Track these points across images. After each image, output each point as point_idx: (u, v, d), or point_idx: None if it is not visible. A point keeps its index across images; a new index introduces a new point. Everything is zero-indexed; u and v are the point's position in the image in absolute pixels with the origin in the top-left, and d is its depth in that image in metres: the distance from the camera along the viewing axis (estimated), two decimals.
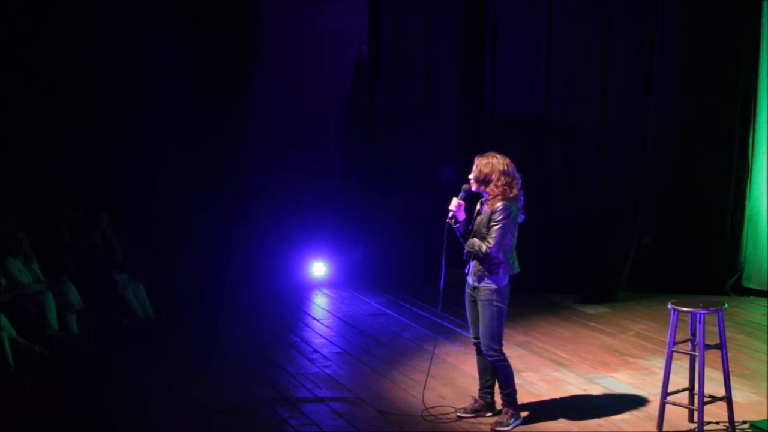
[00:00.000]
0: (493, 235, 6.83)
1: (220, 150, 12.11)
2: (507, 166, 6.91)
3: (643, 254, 10.95)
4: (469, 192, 7.04)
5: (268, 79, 12.37)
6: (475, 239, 6.96)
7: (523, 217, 7.00)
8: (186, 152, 11.88)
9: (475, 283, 7.00)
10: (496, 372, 7.10)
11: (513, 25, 11.36)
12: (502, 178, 6.87)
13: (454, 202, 7.00)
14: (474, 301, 7.09)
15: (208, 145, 12.08)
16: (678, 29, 10.91)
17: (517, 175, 6.95)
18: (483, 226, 6.90)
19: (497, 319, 6.95)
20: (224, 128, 12.14)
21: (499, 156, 6.96)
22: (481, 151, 7.12)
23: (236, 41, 12.18)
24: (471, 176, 6.98)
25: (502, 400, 7.12)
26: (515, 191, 6.91)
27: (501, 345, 7.02)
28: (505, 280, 6.98)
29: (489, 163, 6.91)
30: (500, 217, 6.83)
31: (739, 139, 10.81)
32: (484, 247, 6.85)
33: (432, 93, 11.71)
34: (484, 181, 6.92)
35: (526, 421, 7.15)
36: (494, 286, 6.92)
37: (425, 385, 7.60)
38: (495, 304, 6.93)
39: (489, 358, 7.03)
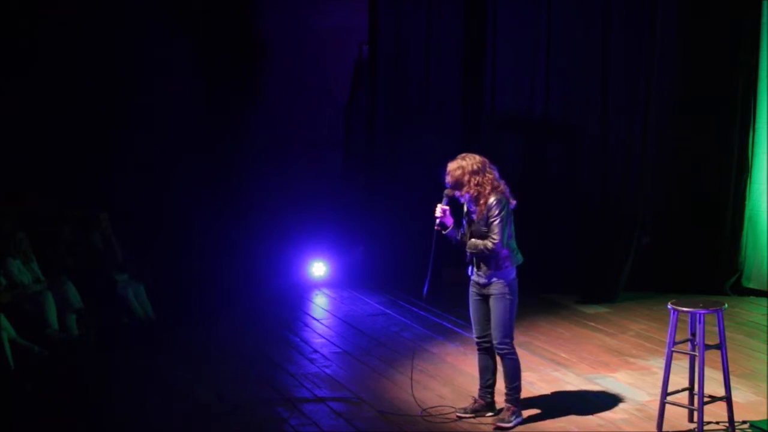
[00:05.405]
0: (496, 230, 6.87)
1: (219, 150, 12.12)
2: (476, 165, 6.95)
3: (643, 254, 10.94)
4: (451, 197, 7.08)
5: (267, 79, 12.37)
6: (474, 240, 6.99)
7: (514, 202, 7.02)
8: (186, 152, 11.87)
9: (486, 280, 7.03)
10: (506, 365, 7.13)
11: (513, 25, 11.37)
12: (474, 178, 6.92)
13: (439, 209, 7.06)
14: (481, 300, 7.12)
15: (207, 145, 12.07)
16: (678, 29, 10.91)
17: (490, 169, 6.97)
18: (482, 225, 6.93)
19: (509, 312, 7.03)
20: (224, 128, 12.15)
21: (469, 156, 6.99)
22: (482, 151, 7.16)
23: (237, 42, 12.18)
24: (446, 182, 7.03)
25: (508, 393, 7.14)
26: (488, 188, 6.92)
27: (512, 338, 7.10)
28: (514, 273, 7.05)
29: (459, 167, 6.96)
30: (497, 212, 6.88)
31: (739, 139, 10.81)
32: (489, 244, 6.89)
33: (432, 93, 11.72)
34: (457, 185, 6.98)
35: (526, 421, 7.15)
36: (505, 281, 6.99)
37: (411, 376, 7.65)
38: (508, 297, 7.01)
39: (500, 351, 7.09)
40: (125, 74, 11.52)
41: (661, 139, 10.96)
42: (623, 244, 10.85)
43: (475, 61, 11.51)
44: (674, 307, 6.85)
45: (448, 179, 7.01)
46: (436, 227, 7.06)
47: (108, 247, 10.19)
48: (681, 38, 10.93)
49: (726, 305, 6.92)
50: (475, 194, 6.94)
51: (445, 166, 7.04)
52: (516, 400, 7.13)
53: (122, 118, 11.58)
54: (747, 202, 10.87)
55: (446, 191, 7.06)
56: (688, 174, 11.02)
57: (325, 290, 11.43)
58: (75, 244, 10.09)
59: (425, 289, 7.17)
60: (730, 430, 6.86)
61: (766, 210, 10.72)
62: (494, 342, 7.09)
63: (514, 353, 7.10)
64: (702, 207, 10.96)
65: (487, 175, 6.96)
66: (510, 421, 7.06)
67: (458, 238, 7.09)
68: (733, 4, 10.71)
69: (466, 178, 6.94)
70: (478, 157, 7.00)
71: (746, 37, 10.68)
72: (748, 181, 10.85)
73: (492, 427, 7.09)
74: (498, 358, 7.20)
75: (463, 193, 6.99)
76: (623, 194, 10.88)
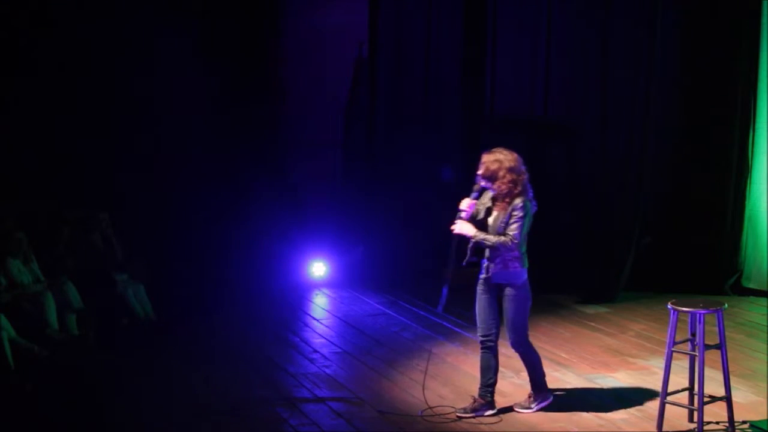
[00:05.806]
0: (516, 231, 6.95)
1: (219, 150, 12.11)
2: (514, 161, 7.02)
3: (643, 254, 10.94)
4: (480, 191, 7.13)
5: (268, 79, 12.37)
6: (485, 235, 7.01)
7: (535, 207, 7.10)
8: (186, 152, 11.87)
9: (497, 281, 7.08)
10: (527, 362, 7.26)
11: (513, 25, 11.37)
12: (509, 175, 6.97)
13: (467, 202, 7.10)
14: (487, 297, 7.16)
15: (207, 144, 12.07)
16: (678, 29, 10.91)
17: (523, 168, 7.06)
18: (502, 223, 7.00)
19: (522, 312, 7.11)
20: (224, 128, 12.14)
21: (506, 152, 7.05)
22: (482, 151, 7.16)
23: (239, 41, 12.17)
24: (479, 173, 7.05)
25: (536, 385, 7.31)
26: (519, 187, 6.99)
27: (526, 338, 7.20)
28: (525, 275, 7.11)
29: (497, 160, 7.00)
30: (521, 214, 6.96)
31: (739, 139, 10.80)
32: (509, 241, 6.95)
33: (432, 93, 11.72)
34: (491, 177, 7.01)
35: (526, 422, 7.16)
36: (518, 282, 7.07)
37: (424, 384, 7.62)
38: (520, 299, 7.09)
39: (517, 351, 7.23)
40: (126, 74, 11.51)
41: (661, 139, 10.96)
42: (623, 244, 10.85)
43: (475, 61, 11.52)
44: (674, 307, 6.85)
45: (482, 171, 7.02)
46: (459, 218, 7.08)
47: (108, 247, 10.19)
48: (681, 38, 10.93)
49: (726, 305, 6.92)
50: (506, 191, 6.98)
51: (473, 159, 7.07)
52: (543, 388, 7.33)
53: (123, 118, 11.58)
54: (747, 203, 10.86)
55: (476, 186, 7.10)
56: (688, 174, 11.02)
57: (325, 290, 11.43)
58: (75, 244, 10.08)
59: (444, 293, 7.24)
60: (730, 430, 6.85)
61: (766, 210, 10.72)
62: (509, 344, 7.19)
63: (530, 349, 7.25)
64: (702, 207, 10.96)
65: (522, 175, 7.02)
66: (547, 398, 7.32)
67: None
68: (733, 4, 10.71)
69: (502, 173, 6.97)
70: (514, 155, 7.06)
71: (746, 37, 10.68)
72: (748, 182, 10.84)
73: (490, 427, 7.09)
74: (499, 357, 7.26)
75: (494, 186, 7.02)
76: (623, 194, 10.88)
